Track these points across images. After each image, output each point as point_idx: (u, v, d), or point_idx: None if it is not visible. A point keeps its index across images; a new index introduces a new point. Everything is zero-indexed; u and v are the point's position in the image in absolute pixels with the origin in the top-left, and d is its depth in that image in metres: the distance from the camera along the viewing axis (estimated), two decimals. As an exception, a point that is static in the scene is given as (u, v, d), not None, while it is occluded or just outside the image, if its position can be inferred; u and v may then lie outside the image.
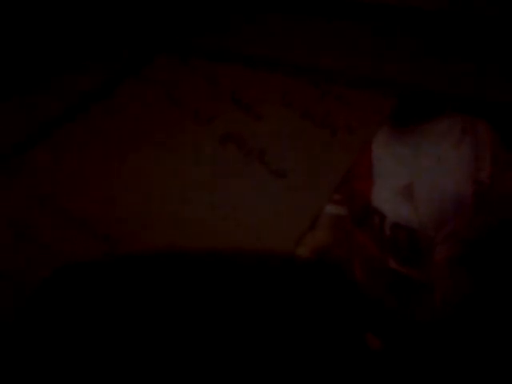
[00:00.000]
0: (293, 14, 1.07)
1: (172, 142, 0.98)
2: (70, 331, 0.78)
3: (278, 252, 0.88)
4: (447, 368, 1.00)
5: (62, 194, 0.91)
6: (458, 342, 1.01)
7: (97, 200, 0.91)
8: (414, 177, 1.07)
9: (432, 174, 1.05)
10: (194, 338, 0.79)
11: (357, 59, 1.02)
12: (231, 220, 0.91)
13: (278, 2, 1.07)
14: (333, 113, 1.00)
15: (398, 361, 1.04)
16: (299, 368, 0.85)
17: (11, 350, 0.76)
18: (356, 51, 1.03)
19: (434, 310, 1.05)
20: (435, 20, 1.01)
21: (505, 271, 1.01)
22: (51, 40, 1.03)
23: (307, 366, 0.86)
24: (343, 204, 1.20)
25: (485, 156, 1.04)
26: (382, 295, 1.13)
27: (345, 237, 1.20)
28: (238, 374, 0.79)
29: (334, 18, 1.05)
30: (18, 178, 0.93)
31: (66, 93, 1.02)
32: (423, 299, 1.08)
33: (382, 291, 1.14)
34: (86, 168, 0.95)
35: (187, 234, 0.89)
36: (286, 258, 0.89)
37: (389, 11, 1.02)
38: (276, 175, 0.95)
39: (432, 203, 1.05)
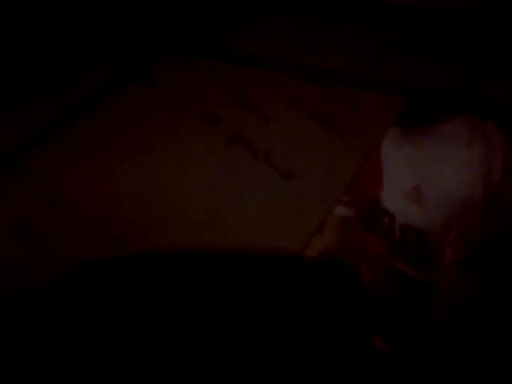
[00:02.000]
0: (300, 15, 1.07)
1: (178, 142, 0.98)
2: (79, 331, 0.78)
3: (285, 253, 0.88)
4: (455, 370, 1.00)
5: (66, 194, 0.91)
6: (466, 344, 1.01)
7: (101, 200, 0.91)
8: (423, 178, 1.07)
9: (441, 176, 1.05)
10: (201, 338, 0.79)
11: (364, 60, 1.01)
12: (238, 221, 0.91)
13: (284, 3, 1.07)
14: (341, 114, 1.00)
15: (405, 363, 1.03)
16: (305, 369, 0.84)
17: (19, 349, 0.77)
18: (364, 52, 1.02)
19: (442, 312, 1.05)
20: (447, 21, 1.00)
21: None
22: (54, 42, 1.03)
23: (313, 366, 0.86)
24: (352, 205, 1.20)
25: (495, 157, 1.03)
26: (390, 297, 1.13)
27: (353, 238, 1.20)
28: (245, 374, 0.79)
29: (341, 20, 1.04)
30: (23, 178, 0.94)
31: (69, 93, 1.02)
32: (431, 301, 1.07)
33: (390, 293, 1.13)
34: (91, 168, 0.95)
35: (193, 234, 0.89)
36: (294, 259, 0.89)
37: (399, 12, 1.02)
38: (283, 176, 0.95)
39: (441, 205, 1.05)
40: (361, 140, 0.98)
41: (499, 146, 1.04)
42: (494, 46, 0.97)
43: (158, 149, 0.97)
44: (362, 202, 1.17)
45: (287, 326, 0.84)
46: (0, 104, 1.00)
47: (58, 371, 0.75)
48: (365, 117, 0.99)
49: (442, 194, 1.05)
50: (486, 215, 1.03)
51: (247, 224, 0.91)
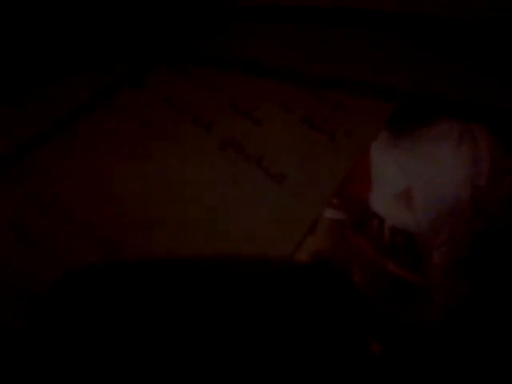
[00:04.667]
0: (291, 22, 1.08)
1: (171, 147, 0.99)
2: (77, 336, 0.79)
3: (276, 256, 0.88)
4: (446, 371, 1.00)
5: (65, 196, 0.91)
6: (456, 345, 1.02)
7: (99, 203, 0.91)
8: (412, 181, 1.08)
9: (430, 178, 1.06)
10: (195, 342, 0.79)
11: (355, 65, 1.02)
12: (230, 225, 0.92)
13: (276, 9, 1.08)
14: (331, 118, 1.01)
15: (397, 364, 1.04)
16: (298, 373, 0.85)
17: (17, 351, 0.77)
18: (354, 57, 1.03)
19: (432, 313, 1.06)
20: (433, 25, 1.02)
21: (502, 274, 1.01)
22: (54, 45, 1.03)
23: (307, 370, 0.86)
24: (342, 208, 1.21)
25: (483, 160, 1.04)
26: (380, 299, 1.14)
27: (344, 241, 1.21)
28: (236, 379, 0.79)
29: (331, 26, 1.05)
30: (22, 179, 0.94)
31: (68, 97, 1.02)
32: (422, 302, 1.08)
33: (380, 295, 1.14)
34: (89, 170, 0.95)
35: (186, 238, 0.89)
36: (285, 263, 0.89)
37: (386, 17, 1.03)
38: (275, 180, 0.96)
39: (430, 207, 1.06)
40: (351, 143, 0.99)
41: (487, 149, 1.05)
42: (484, 49, 0.98)
43: (153, 153, 0.98)
44: (351, 205, 1.18)
45: (278, 330, 0.85)
46: (0, 105, 1.00)
47: (56, 374, 0.75)
48: (355, 121, 1.00)
49: (431, 197, 1.06)
50: (474, 217, 1.04)
51: (239, 227, 0.91)
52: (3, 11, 0.98)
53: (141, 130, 1.00)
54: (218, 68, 1.06)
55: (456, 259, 1.04)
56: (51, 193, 0.92)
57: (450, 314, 1.03)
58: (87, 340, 0.78)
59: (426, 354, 1.02)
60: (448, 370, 1.00)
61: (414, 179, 1.08)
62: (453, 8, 0.99)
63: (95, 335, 0.78)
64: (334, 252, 1.21)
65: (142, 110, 1.03)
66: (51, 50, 1.02)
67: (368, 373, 0.91)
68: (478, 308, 1.01)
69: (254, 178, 0.96)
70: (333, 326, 0.91)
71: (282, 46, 1.06)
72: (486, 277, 1.02)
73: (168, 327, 0.80)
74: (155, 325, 0.79)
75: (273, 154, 0.98)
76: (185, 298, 0.82)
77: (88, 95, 1.02)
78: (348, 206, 1.19)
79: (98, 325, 0.79)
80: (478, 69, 0.98)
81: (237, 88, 1.04)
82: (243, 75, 1.05)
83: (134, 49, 1.08)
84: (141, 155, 0.97)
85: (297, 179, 0.96)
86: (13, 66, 1.00)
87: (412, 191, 1.08)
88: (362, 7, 1.04)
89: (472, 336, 1.00)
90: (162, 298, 0.82)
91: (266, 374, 0.81)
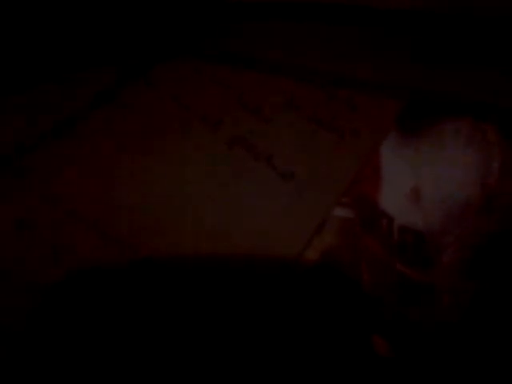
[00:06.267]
0: (298, 20, 1.08)
1: (180, 145, 0.99)
2: (78, 335, 0.79)
3: (284, 255, 0.88)
4: (453, 371, 1.00)
5: (67, 195, 0.92)
6: (464, 346, 1.01)
7: (102, 202, 0.91)
8: (421, 180, 1.07)
9: (439, 178, 1.06)
10: (197, 342, 0.79)
11: (363, 63, 1.02)
12: (238, 223, 0.92)
13: (283, 7, 1.07)
14: (340, 116, 1.01)
15: (407, 364, 1.04)
16: (303, 374, 0.85)
17: (18, 350, 0.77)
18: (362, 55, 1.03)
19: (440, 314, 1.06)
20: (443, 23, 1.01)
21: (510, 276, 1.01)
22: (57, 42, 1.04)
23: (312, 371, 0.86)
24: (351, 207, 1.21)
25: (493, 160, 1.04)
26: (389, 298, 1.13)
27: (353, 239, 1.21)
28: (239, 380, 0.79)
29: (339, 23, 1.05)
30: (24, 178, 0.94)
31: (72, 95, 1.03)
32: (431, 302, 1.08)
33: (389, 294, 1.14)
34: (92, 169, 0.95)
35: (193, 237, 0.89)
36: (292, 262, 0.89)
37: (395, 15, 1.03)
38: (284, 178, 0.96)
39: (439, 206, 1.06)
40: (361, 142, 0.99)
41: (497, 148, 1.04)
42: (495, 48, 0.98)
43: (159, 151, 0.98)
44: (361, 204, 1.18)
45: (284, 330, 0.85)
46: (1, 104, 1.00)
47: (55, 374, 0.76)
48: (365, 118, 1.00)
49: (440, 196, 1.06)
50: (484, 217, 1.03)
51: (247, 225, 0.91)
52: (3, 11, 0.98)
53: (146, 128, 1.00)
54: (226, 65, 1.06)
55: (464, 260, 1.04)
56: (55, 191, 0.92)
57: (458, 315, 1.03)
58: (88, 341, 0.78)
59: (435, 354, 1.02)
60: (456, 370, 1.00)
61: (423, 178, 1.07)
62: (460, 4, 0.99)
63: (97, 336, 0.78)
64: (343, 250, 1.21)
65: (148, 108, 1.03)
66: (52, 47, 1.02)
67: (372, 374, 0.91)
68: (487, 309, 1.01)
69: (263, 176, 0.96)
70: (337, 328, 0.91)
71: (289, 44, 1.06)
72: (494, 277, 1.02)
73: (170, 328, 0.80)
74: (158, 325, 0.80)
75: (282, 152, 0.98)
76: (187, 299, 0.82)
77: (91, 93, 1.02)
78: (358, 204, 1.19)
79: (100, 326, 0.79)
80: (488, 66, 0.97)
81: (245, 85, 1.04)
82: (251, 72, 1.05)
83: (141, 45, 1.08)
84: (146, 153, 0.97)
85: (306, 177, 0.96)
86: (13, 65, 1.01)
87: (421, 190, 1.07)
88: (365, 4, 1.04)
89: (480, 337, 1.00)
90: (165, 298, 0.82)
91: (269, 375, 0.82)
